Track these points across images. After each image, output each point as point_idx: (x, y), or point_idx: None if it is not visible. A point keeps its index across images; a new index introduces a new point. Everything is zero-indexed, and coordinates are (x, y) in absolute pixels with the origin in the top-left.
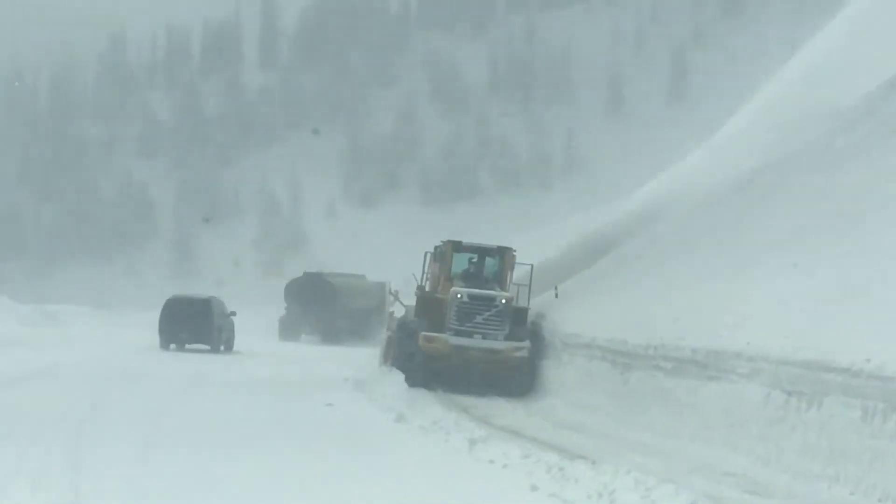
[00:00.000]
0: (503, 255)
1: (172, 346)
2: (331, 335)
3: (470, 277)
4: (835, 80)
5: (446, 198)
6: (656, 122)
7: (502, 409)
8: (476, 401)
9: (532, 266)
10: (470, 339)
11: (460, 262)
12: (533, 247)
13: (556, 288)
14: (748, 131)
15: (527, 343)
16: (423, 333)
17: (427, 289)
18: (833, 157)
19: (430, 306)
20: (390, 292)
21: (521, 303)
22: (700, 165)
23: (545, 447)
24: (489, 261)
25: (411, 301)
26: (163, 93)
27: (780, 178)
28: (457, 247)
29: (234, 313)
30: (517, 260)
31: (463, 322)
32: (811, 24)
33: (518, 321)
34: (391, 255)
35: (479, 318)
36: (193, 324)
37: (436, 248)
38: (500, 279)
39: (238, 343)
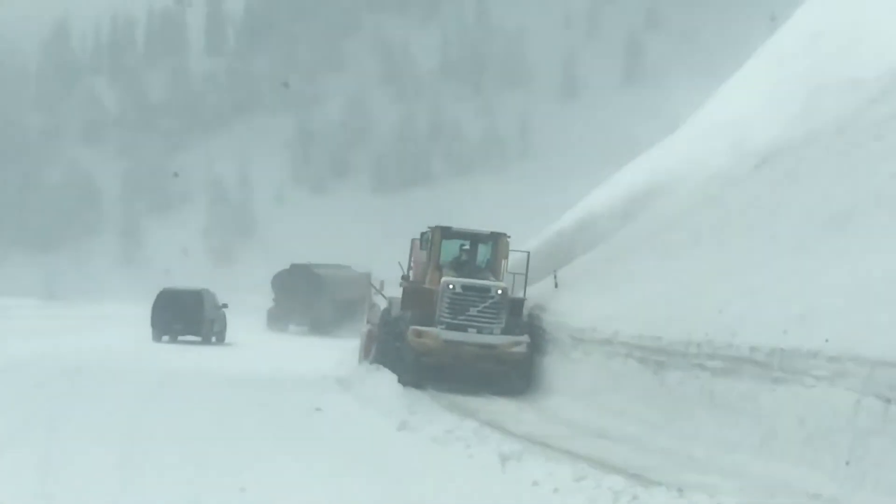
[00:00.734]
0: (496, 241)
1: (165, 337)
2: (318, 326)
3: (461, 266)
4: (845, 50)
5: (398, 184)
6: (612, 105)
7: (510, 412)
8: (476, 401)
9: (528, 253)
10: (463, 333)
11: (450, 250)
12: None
13: (555, 276)
14: (744, 108)
15: (525, 337)
16: (413, 328)
17: (412, 279)
18: (864, 131)
19: (418, 298)
20: (372, 283)
21: (516, 293)
22: (693, 145)
23: (592, 463)
24: (482, 248)
25: (394, 292)
26: (108, 80)
27: (806, 157)
28: (446, 233)
29: (225, 305)
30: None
31: (455, 315)
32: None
33: (514, 313)
34: (343, 242)
35: (472, 311)
36: (185, 316)
37: (422, 234)
38: (493, 267)
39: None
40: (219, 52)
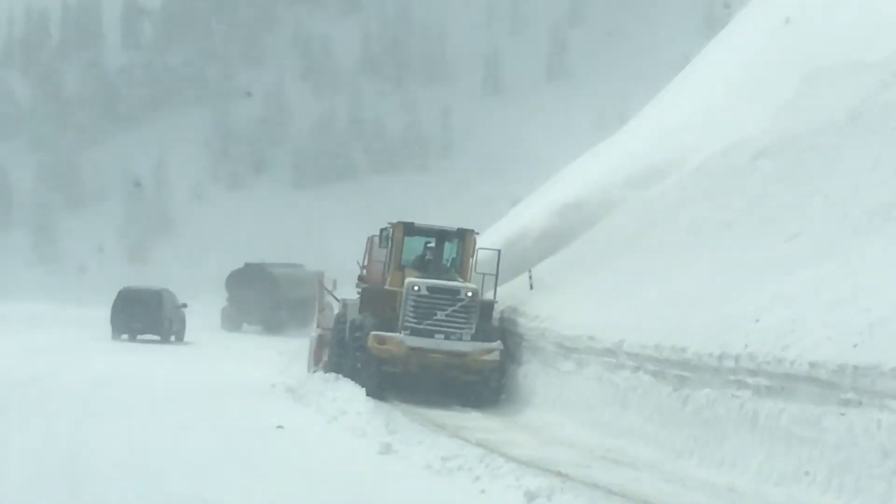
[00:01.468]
0: (463, 237)
1: (124, 336)
2: (272, 325)
3: (425, 266)
4: (829, 35)
5: (318, 179)
6: (536, 100)
7: (497, 430)
8: (450, 416)
9: (500, 252)
10: (430, 339)
11: (413, 248)
12: None
13: (530, 277)
14: (712, 99)
15: (498, 344)
16: (373, 333)
17: (369, 279)
18: (883, 116)
19: (378, 301)
20: (322, 284)
21: (485, 295)
22: (662, 139)
23: (631, 500)
24: (447, 245)
25: (348, 293)
26: (21, 73)
27: (817, 146)
28: (409, 229)
29: (185, 305)
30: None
31: (421, 320)
32: None
33: (483, 317)
34: (262, 238)
35: (440, 315)
36: (145, 315)
37: (382, 230)
38: (460, 267)
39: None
40: (135, 46)
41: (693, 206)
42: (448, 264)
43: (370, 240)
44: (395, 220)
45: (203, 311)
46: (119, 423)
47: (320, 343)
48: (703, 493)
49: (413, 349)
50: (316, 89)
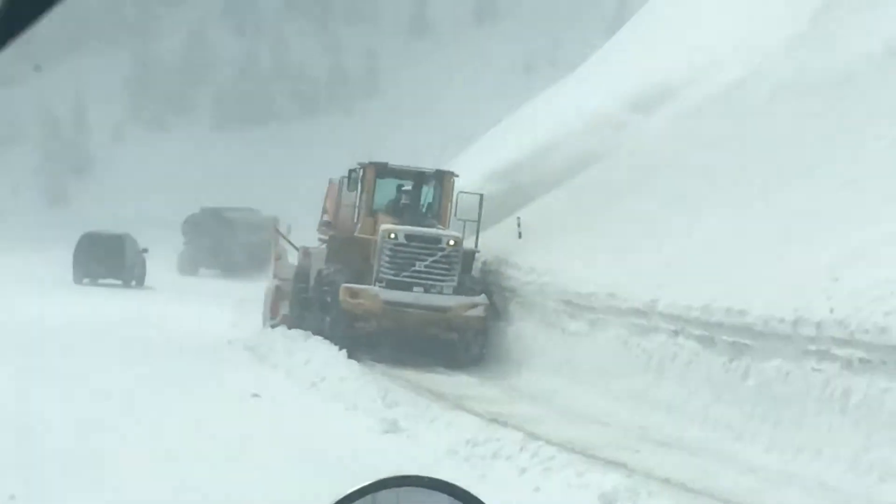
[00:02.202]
0: (441, 180)
1: (85, 280)
2: (229, 269)
3: (400, 211)
4: None
5: (240, 122)
6: (464, 43)
7: (500, 399)
8: (439, 380)
9: (482, 196)
10: (408, 293)
11: (386, 191)
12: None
13: (518, 224)
14: (713, 32)
15: (483, 298)
16: (345, 286)
17: (336, 226)
18: None
19: (347, 250)
20: (277, 230)
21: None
22: (652, 73)
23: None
24: (424, 189)
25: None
26: None
27: (858, 84)
28: (381, 170)
29: (145, 250)
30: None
31: (398, 271)
32: None
33: (464, 269)
34: (182, 181)
35: (419, 266)
36: (107, 259)
37: (350, 171)
38: (438, 213)
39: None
40: None
41: (702, 147)
42: (424, 210)
43: (332, 182)
44: (365, 161)
45: None
46: (65, 386)
47: (277, 295)
48: (797, 489)
49: (389, 303)
50: (238, 29)
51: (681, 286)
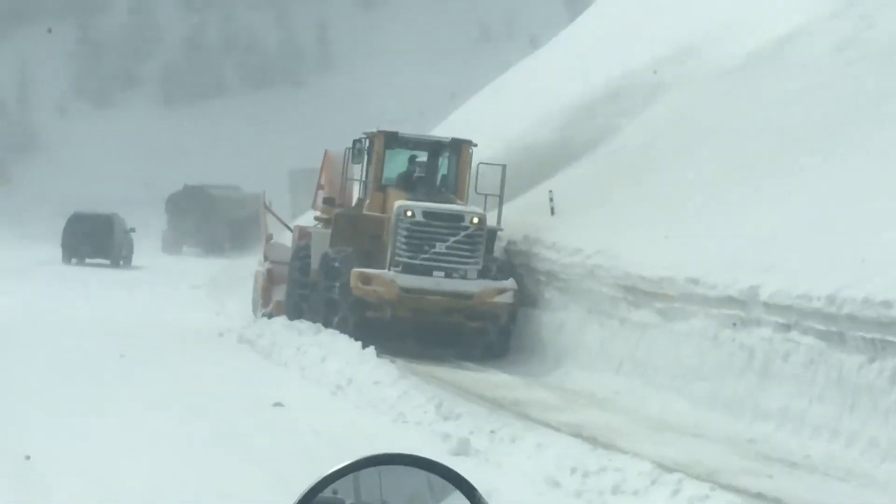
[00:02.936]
0: (459, 151)
1: (74, 260)
2: (212, 247)
3: (413, 185)
4: None
5: (189, 96)
6: (414, 14)
7: (558, 404)
8: (475, 378)
9: (504, 167)
10: (428, 277)
11: (397, 163)
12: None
13: (550, 199)
14: None
15: (512, 283)
16: (356, 270)
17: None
18: None
19: (357, 229)
20: (267, 207)
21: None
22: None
23: None
24: (441, 161)
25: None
26: None
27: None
28: (391, 140)
29: (133, 230)
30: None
31: (416, 253)
32: None
33: (487, 250)
34: (130, 157)
35: (439, 247)
36: (95, 239)
37: (354, 142)
38: (455, 187)
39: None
40: None
41: (765, 105)
42: (438, 183)
43: (329, 154)
44: (373, 129)
45: None
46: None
47: (270, 280)
48: None
49: (406, 290)
50: (185, 2)
51: (788, 270)
